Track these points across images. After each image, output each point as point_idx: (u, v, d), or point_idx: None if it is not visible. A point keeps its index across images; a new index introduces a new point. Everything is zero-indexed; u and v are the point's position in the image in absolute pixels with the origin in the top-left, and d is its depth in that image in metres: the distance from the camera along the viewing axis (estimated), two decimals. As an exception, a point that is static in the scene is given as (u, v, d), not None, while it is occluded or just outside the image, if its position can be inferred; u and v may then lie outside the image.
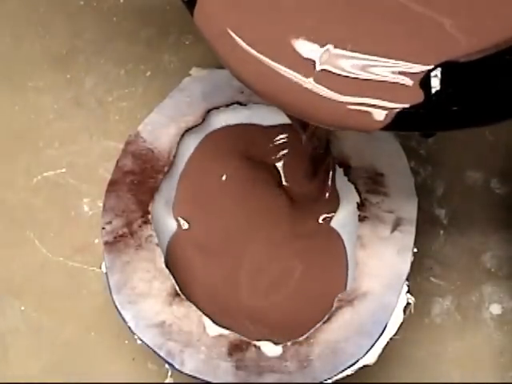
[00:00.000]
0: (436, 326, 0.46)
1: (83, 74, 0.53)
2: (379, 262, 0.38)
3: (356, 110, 0.28)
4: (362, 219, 0.39)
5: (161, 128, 0.42)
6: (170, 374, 0.43)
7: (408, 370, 0.45)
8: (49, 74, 0.53)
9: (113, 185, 0.41)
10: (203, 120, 0.43)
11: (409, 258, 0.38)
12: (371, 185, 0.40)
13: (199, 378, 0.36)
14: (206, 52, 0.54)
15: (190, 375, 0.36)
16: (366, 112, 0.28)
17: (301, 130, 0.38)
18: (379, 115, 0.28)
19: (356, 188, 0.40)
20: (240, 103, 0.43)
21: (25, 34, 0.55)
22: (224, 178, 0.43)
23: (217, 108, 0.43)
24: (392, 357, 0.45)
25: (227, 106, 0.43)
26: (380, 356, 0.37)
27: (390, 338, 0.37)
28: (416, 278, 0.47)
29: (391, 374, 0.45)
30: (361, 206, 0.39)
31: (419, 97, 0.28)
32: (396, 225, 0.39)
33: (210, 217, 0.42)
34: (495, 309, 0.47)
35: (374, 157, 0.41)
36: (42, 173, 0.50)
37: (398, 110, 0.28)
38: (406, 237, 0.39)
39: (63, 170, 0.50)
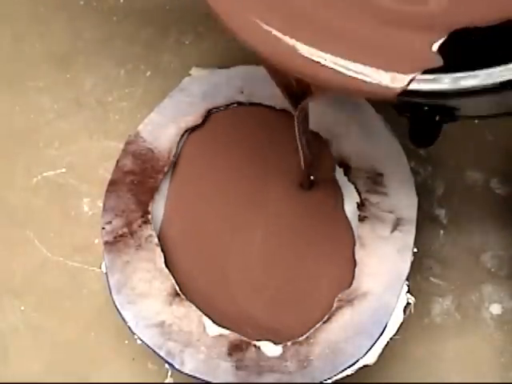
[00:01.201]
0: (436, 325, 0.46)
1: (83, 74, 0.53)
2: (379, 261, 0.38)
3: (369, 75, 0.27)
4: (361, 219, 0.39)
5: (161, 128, 0.42)
6: (169, 374, 0.43)
7: (408, 369, 0.45)
8: (49, 74, 0.53)
9: (113, 185, 0.41)
10: (203, 120, 0.43)
11: (409, 258, 0.38)
12: (371, 185, 0.40)
13: (199, 378, 0.36)
14: (206, 52, 0.54)
15: (189, 375, 0.36)
16: (382, 77, 0.27)
17: (292, 106, 0.38)
18: (396, 80, 0.27)
19: (356, 188, 0.40)
20: (240, 103, 0.43)
21: (25, 34, 0.55)
22: (217, 170, 0.42)
23: (217, 108, 0.43)
24: (392, 357, 0.45)
25: (227, 105, 0.43)
26: (380, 356, 0.37)
27: (390, 338, 0.37)
28: (416, 277, 0.47)
29: (391, 373, 0.45)
30: (361, 205, 0.39)
31: (435, 62, 0.27)
32: (396, 225, 0.39)
33: (201, 212, 0.42)
34: (495, 309, 0.47)
35: (374, 157, 0.41)
36: (42, 173, 0.50)
37: (414, 75, 0.27)
38: (406, 237, 0.39)
39: (63, 170, 0.50)
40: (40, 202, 0.49)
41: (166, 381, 0.43)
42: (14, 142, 0.51)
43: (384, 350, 0.37)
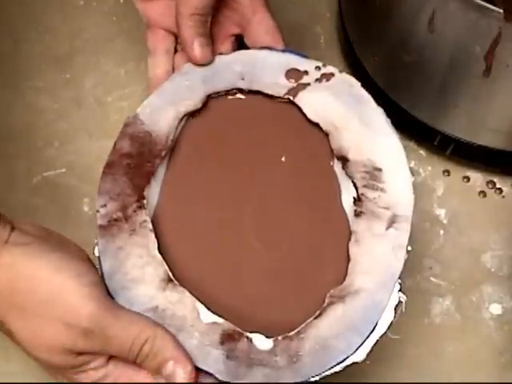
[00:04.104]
0: (436, 325, 0.46)
1: (83, 74, 0.53)
2: (373, 259, 0.38)
3: None
4: (357, 214, 0.39)
5: (160, 111, 0.42)
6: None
7: (408, 369, 0.45)
8: (48, 74, 0.53)
9: (109, 167, 0.40)
10: (203, 105, 0.42)
11: (402, 257, 0.38)
12: (369, 180, 0.40)
13: None
14: (205, 52, 0.54)
15: None
16: None
17: None
18: None
19: (353, 182, 0.40)
20: (241, 90, 0.43)
21: (24, 34, 0.55)
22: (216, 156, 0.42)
23: (217, 93, 0.42)
24: (392, 357, 0.45)
25: (227, 91, 0.43)
26: (369, 354, 0.36)
27: (380, 336, 0.36)
28: (416, 277, 0.47)
29: (391, 373, 0.45)
30: (357, 200, 0.39)
31: None
32: (391, 222, 0.39)
33: (197, 198, 0.41)
34: (495, 309, 0.47)
35: (373, 151, 0.40)
36: (42, 173, 0.50)
37: None
38: (401, 235, 0.38)
39: (63, 170, 0.50)
40: (40, 202, 0.49)
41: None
42: (14, 142, 0.51)
43: (373, 347, 0.37)
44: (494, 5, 0.40)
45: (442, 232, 0.49)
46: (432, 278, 0.47)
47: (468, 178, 0.51)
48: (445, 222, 0.49)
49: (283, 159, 0.42)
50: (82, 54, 0.54)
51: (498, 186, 0.51)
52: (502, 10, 0.40)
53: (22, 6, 0.56)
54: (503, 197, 0.50)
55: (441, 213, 0.49)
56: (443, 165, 0.51)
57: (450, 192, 0.50)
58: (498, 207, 0.50)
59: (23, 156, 0.50)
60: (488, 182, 0.51)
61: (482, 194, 0.50)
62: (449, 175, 0.51)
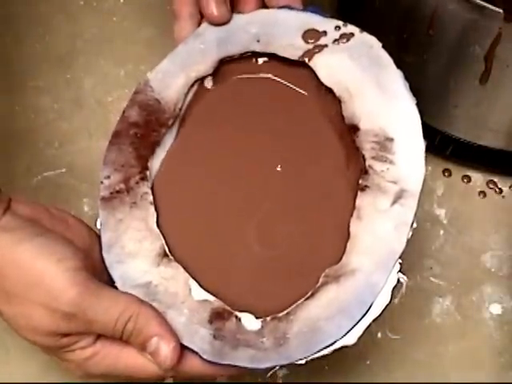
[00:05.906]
0: (436, 325, 0.46)
1: (83, 74, 0.53)
2: (374, 237, 0.36)
3: None
4: (362, 188, 0.37)
5: (170, 77, 0.40)
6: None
7: (408, 369, 0.45)
8: (49, 74, 0.53)
9: (116, 137, 0.39)
10: (214, 70, 0.40)
11: (405, 235, 0.36)
12: (378, 151, 0.37)
13: None
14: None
15: None
16: None
17: None
18: None
19: (362, 154, 0.37)
20: (256, 53, 0.40)
21: (25, 34, 0.55)
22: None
23: (230, 57, 0.40)
24: (392, 357, 0.45)
25: (241, 55, 0.41)
26: (360, 338, 0.35)
27: (373, 320, 0.35)
28: (416, 277, 0.47)
29: (392, 374, 0.45)
30: (363, 173, 0.37)
31: None
32: (398, 197, 0.36)
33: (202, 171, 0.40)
34: (495, 309, 0.47)
35: (386, 118, 0.38)
36: (42, 173, 0.50)
37: None
38: (406, 212, 0.36)
39: (63, 170, 0.50)
40: (40, 202, 0.49)
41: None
42: (14, 142, 0.51)
43: (365, 331, 0.35)
44: (494, 5, 0.40)
45: (442, 232, 0.49)
46: (432, 278, 0.47)
47: (468, 178, 0.51)
48: (445, 222, 0.49)
49: (293, 137, 0.40)
50: (82, 55, 0.54)
51: (498, 186, 0.51)
52: (501, 10, 0.39)
53: (22, 7, 0.56)
54: (503, 197, 0.50)
55: (441, 213, 0.49)
56: (443, 165, 0.51)
57: (450, 192, 0.50)
58: (498, 207, 0.50)
59: (23, 156, 0.50)
60: (488, 182, 0.51)
61: (482, 194, 0.50)
62: (449, 175, 0.51)
